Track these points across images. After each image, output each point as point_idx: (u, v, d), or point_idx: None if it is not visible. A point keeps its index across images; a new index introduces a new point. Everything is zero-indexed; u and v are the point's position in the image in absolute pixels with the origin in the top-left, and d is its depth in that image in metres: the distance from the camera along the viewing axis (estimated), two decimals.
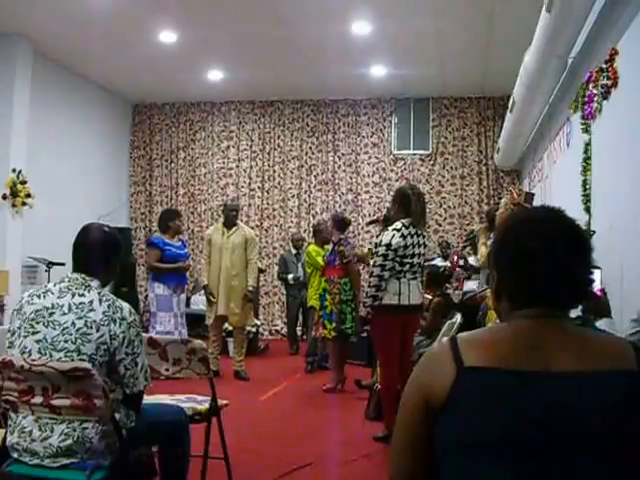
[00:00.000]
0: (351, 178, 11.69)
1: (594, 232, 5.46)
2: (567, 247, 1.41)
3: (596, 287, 3.15)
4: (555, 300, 1.42)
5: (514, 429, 1.27)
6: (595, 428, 1.26)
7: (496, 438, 1.28)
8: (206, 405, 3.61)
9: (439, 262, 8.79)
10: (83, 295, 2.69)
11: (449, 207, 11.33)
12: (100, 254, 2.85)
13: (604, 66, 5.21)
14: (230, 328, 7.86)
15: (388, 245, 4.91)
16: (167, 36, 8.64)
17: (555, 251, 1.40)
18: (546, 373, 1.31)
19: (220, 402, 3.65)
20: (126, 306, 2.75)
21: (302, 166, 11.78)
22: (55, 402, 2.56)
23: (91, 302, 2.67)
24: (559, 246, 1.40)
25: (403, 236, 4.94)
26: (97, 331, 2.61)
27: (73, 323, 2.61)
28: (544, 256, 1.39)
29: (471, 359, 1.34)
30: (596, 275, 3.27)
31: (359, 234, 11.46)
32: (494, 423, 1.28)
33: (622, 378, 1.30)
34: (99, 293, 2.72)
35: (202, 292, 8.11)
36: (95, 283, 2.77)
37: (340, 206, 11.31)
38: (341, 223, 7.28)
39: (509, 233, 1.48)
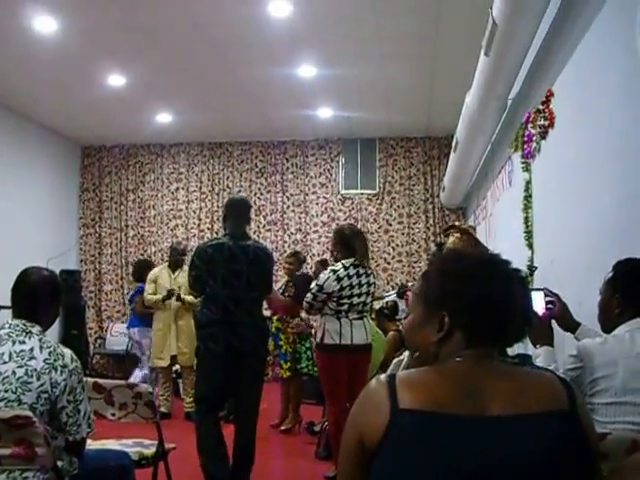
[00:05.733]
0: (300, 218, 11.74)
1: (536, 268, 5.53)
2: (521, 289, 1.47)
3: (542, 310, 3.08)
4: (505, 340, 1.47)
5: (449, 476, 1.25)
6: (530, 474, 1.25)
7: None
8: (153, 449, 3.58)
9: (392, 297, 8.75)
10: (24, 342, 2.65)
11: (397, 245, 11.40)
12: (40, 298, 2.81)
13: (541, 107, 5.31)
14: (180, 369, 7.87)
15: (320, 287, 4.94)
16: (116, 79, 8.65)
17: (513, 293, 1.43)
18: (481, 418, 1.30)
19: (167, 446, 3.61)
20: (68, 353, 2.71)
21: (251, 207, 11.71)
22: None
23: (32, 349, 2.63)
24: (517, 288, 1.45)
25: (338, 279, 4.93)
26: (38, 380, 2.57)
27: (13, 372, 2.57)
28: (506, 298, 1.42)
29: (407, 401, 1.32)
30: (539, 297, 3.15)
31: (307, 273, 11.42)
32: (429, 469, 1.26)
33: (555, 420, 1.31)
34: (40, 340, 2.67)
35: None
36: (36, 329, 2.72)
37: (289, 246, 11.31)
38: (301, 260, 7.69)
39: (467, 274, 1.46)
